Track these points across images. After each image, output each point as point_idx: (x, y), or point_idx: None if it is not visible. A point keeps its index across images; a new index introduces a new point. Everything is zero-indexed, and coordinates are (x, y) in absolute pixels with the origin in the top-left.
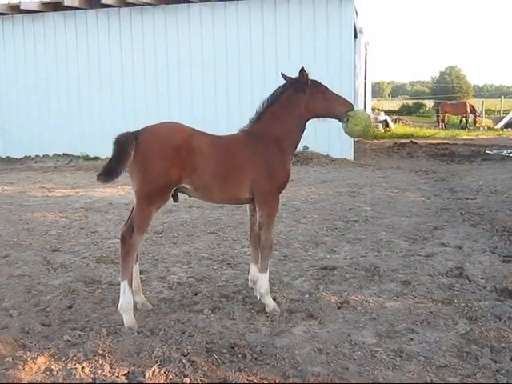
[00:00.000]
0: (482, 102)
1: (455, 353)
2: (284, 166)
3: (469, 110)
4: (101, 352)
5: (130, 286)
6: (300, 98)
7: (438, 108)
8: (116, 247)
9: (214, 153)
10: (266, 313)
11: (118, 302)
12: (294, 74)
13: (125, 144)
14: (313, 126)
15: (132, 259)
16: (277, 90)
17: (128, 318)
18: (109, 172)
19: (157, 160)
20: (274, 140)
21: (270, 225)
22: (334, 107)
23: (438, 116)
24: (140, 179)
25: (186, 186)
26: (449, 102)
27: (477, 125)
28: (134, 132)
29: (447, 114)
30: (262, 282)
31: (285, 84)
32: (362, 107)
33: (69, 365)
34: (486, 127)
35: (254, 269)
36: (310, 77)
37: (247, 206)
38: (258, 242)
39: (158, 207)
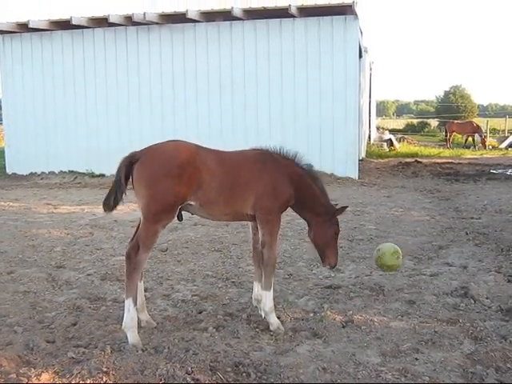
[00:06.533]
0: (487, 121)
1: (460, 373)
2: (289, 187)
3: (473, 130)
4: (105, 369)
5: (135, 303)
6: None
7: (446, 127)
8: (121, 264)
9: (220, 169)
10: (271, 331)
11: (123, 319)
12: (299, 92)
13: (121, 164)
14: (318, 144)
15: (137, 277)
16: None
17: (132, 336)
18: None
19: (163, 179)
20: (284, 167)
21: (273, 243)
22: (330, 250)
23: (446, 135)
24: (146, 198)
25: (191, 203)
26: (455, 121)
27: (486, 145)
28: (137, 151)
29: (453, 133)
30: (266, 300)
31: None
32: (367, 126)
33: (73, 382)
34: (490, 146)
35: (257, 287)
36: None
37: (250, 224)
38: (262, 260)
39: (165, 225)
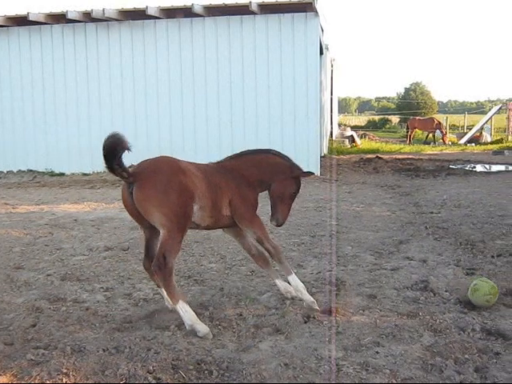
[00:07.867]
0: (446, 117)
1: (420, 365)
2: (253, 191)
3: (435, 126)
4: (65, 371)
5: (187, 303)
6: (286, 170)
7: (408, 123)
8: (81, 264)
9: (203, 176)
10: (233, 328)
11: (184, 323)
12: (260, 89)
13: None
14: (280, 141)
15: (173, 281)
16: (270, 150)
17: (201, 328)
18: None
19: (172, 190)
20: (242, 176)
21: (266, 234)
22: (282, 207)
23: (407, 131)
24: (166, 214)
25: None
26: (417, 117)
27: (446, 142)
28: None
29: (415, 130)
30: (294, 282)
31: (280, 154)
32: (329, 122)
33: None
34: (450, 142)
35: (279, 284)
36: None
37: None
38: (269, 254)
39: (187, 229)
